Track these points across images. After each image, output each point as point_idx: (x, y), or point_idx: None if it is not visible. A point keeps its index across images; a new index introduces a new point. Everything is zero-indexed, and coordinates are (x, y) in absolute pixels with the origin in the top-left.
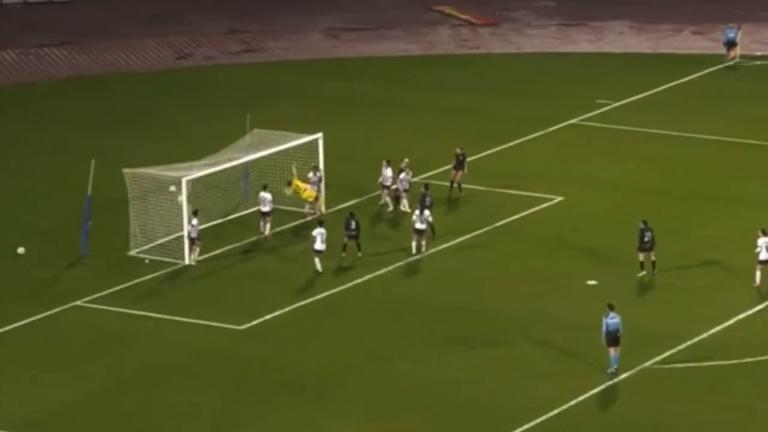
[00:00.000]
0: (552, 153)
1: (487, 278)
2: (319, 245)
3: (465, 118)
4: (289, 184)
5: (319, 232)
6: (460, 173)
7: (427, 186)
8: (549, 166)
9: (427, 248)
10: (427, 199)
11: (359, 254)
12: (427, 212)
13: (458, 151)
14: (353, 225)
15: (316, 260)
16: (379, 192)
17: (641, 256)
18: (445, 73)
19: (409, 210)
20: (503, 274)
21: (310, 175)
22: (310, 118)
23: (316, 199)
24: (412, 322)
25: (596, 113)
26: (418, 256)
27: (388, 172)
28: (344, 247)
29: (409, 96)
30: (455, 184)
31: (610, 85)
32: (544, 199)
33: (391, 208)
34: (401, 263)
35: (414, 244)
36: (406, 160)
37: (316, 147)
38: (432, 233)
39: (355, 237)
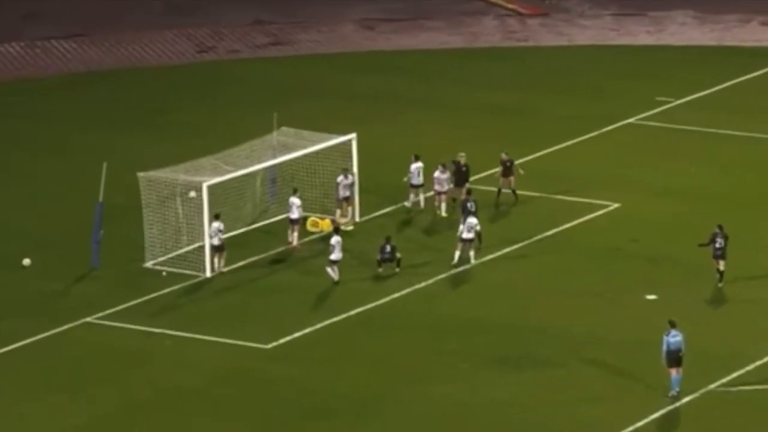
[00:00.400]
0: (607, 155)
1: (536, 292)
2: (336, 254)
3: (512, 117)
4: (308, 222)
5: (336, 241)
6: (512, 179)
7: (469, 191)
8: (604, 169)
9: (472, 259)
10: (470, 205)
11: (397, 269)
12: (474, 220)
13: (504, 157)
14: (388, 249)
15: (329, 270)
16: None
17: (720, 265)
18: (490, 68)
19: (446, 214)
20: (553, 288)
21: (340, 178)
22: (342, 117)
23: (344, 215)
24: (454, 341)
25: (656, 112)
26: (460, 268)
27: (444, 175)
28: (379, 263)
29: (450, 93)
30: (507, 191)
31: (671, 81)
32: (599, 206)
33: (445, 214)
34: (442, 276)
35: (457, 254)
36: (462, 154)
37: (350, 148)
38: (479, 243)
39: (390, 261)
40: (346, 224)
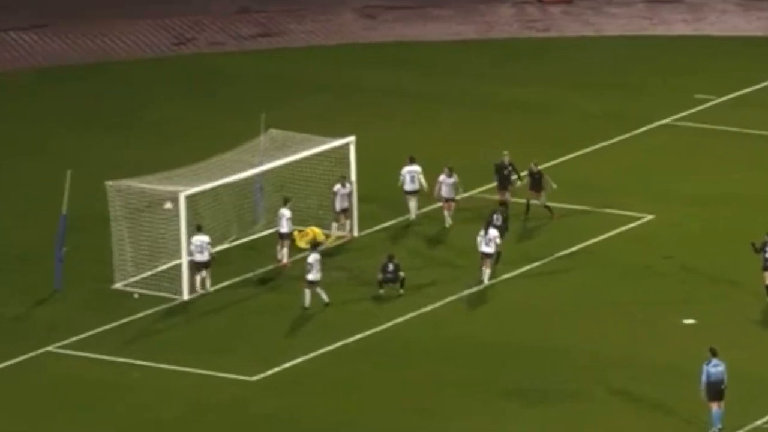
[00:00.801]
0: (639, 160)
1: (560, 315)
2: (313, 275)
3: (531, 116)
4: (296, 239)
5: (315, 259)
6: (542, 194)
7: (505, 204)
8: (635, 176)
9: (490, 277)
10: (495, 218)
11: (401, 291)
12: (495, 232)
13: (533, 167)
14: (390, 267)
15: (308, 293)
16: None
17: None
18: (507, 62)
19: (450, 223)
20: (579, 311)
21: (337, 187)
22: (339, 118)
23: (341, 228)
24: (469, 369)
25: (694, 111)
26: (474, 288)
27: (450, 180)
28: (380, 284)
29: (461, 90)
30: (536, 203)
31: (711, 76)
32: (630, 218)
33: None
34: (452, 297)
35: (485, 271)
36: (506, 152)
37: (347, 153)
38: (495, 259)
39: (393, 281)
40: (339, 238)
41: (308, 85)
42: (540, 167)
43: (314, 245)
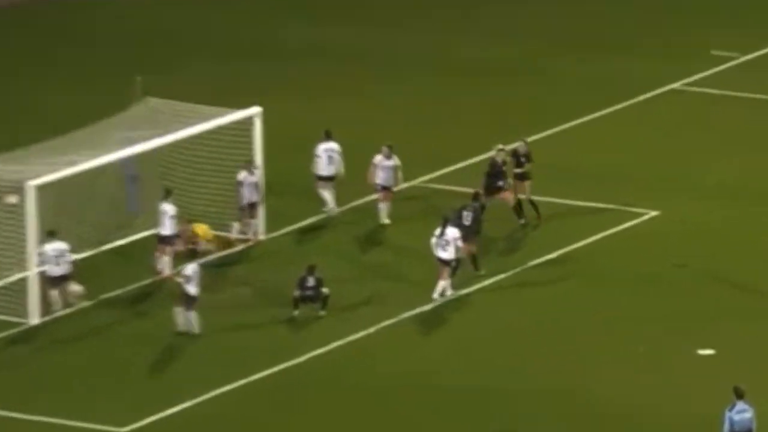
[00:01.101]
0: (641, 138)
1: (535, 345)
2: (192, 289)
3: (502, 81)
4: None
5: (193, 271)
6: (527, 184)
7: (477, 195)
8: (637, 159)
9: (443, 292)
10: (465, 214)
11: (322, 312)
12: (453, 232)
13: (521, 147)
14: (310, 282)
15: (180, 314)
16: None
17: None
18: (469, 10)
19: (387, 221)
20: (561, 339)
21: (243, 175)
22: (241, 84)
23: (243, 230)
24: (410, 418)
25: (711, 73)
26: (421, 308)
27: (390, 162)
28: (296, 303)
29: (412, 46)
30: (524, 199)
31: (733, 27)
32: (630, 215)
33: (386, 221)
34: (392, 320)
35: (442, 283)
36: (500, 146)
37: (251, 130)
38: (474, 267)
39: (313, 299)
40: (241, 242)
41: (198, 39)
42: (528, 147)
43: (192, 251)
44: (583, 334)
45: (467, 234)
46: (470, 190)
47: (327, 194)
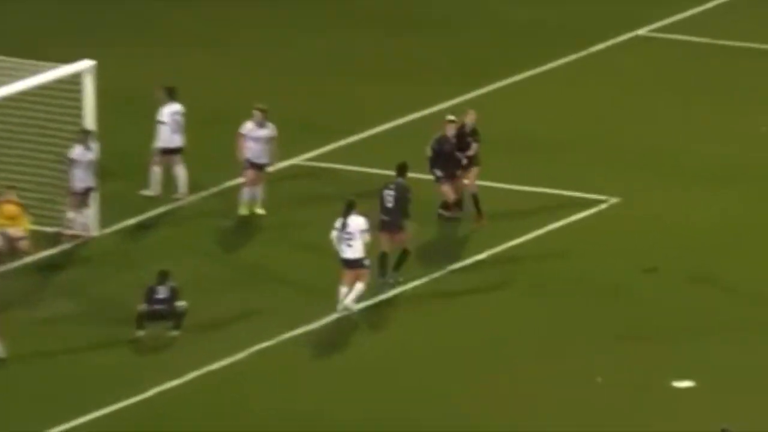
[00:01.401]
0: (598, 100)
1: (471, 365)
2: None
3: (426, 32)
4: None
5: None
6: (474, 171)
7: (402, 170)
8: (591, 128)
9: (348, 300)
10: (387, 194)
11: (175, 333)
12: (359, 222)
13: (468, 120)
14: (161, 294)
15: None
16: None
17: None
18: None
19: (261, 211)
20: (497, 362)
21: (77, 152)
22: (69, 33)
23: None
24: None
25: (685, 16)
26: (310, 325)
27: (262, 132)
28: (141, 320)
29: None
30: (467, 189)
31: None
32: (584, 202)
33: (260, 210)
34: (267, 343)
35: (341, 291)
36: (471, 111)
37: (81, 90)
38: (394, 267)
39: (165, 316)
40: (70, 238)
41: None
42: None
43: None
44: (522, 359)
45: (392, 220)
46: (378, 171)
47: (180, 172)
